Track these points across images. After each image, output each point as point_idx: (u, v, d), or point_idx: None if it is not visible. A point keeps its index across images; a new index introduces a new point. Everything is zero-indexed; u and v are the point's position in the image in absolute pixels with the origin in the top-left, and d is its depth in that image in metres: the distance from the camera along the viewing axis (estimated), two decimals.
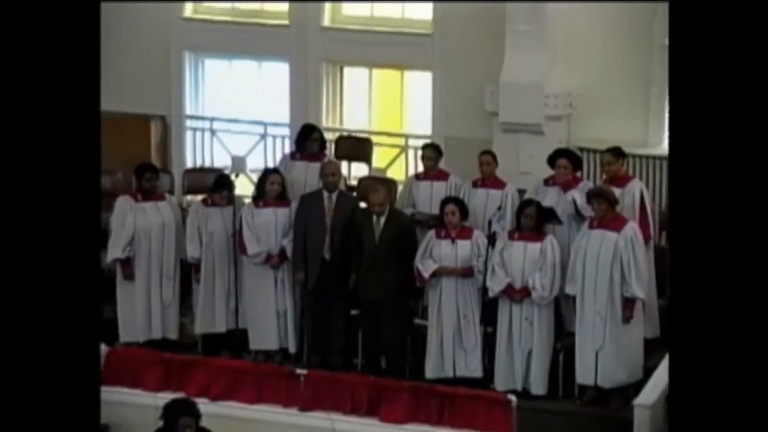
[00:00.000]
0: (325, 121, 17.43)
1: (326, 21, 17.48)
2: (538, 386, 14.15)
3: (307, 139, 15.86)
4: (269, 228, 14.98)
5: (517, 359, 14.16)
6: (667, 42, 15.57)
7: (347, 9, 17.49)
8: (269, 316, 15.05)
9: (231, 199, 15.33)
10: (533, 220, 14.11)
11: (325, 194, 14.87)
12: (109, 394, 13.95)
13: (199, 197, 15.98)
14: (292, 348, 15.03)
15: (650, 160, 15.69)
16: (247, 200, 15.52)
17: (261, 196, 15.07)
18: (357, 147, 17.17)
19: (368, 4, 17.33)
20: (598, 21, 15.90)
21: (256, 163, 17.27)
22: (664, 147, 15.76)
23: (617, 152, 14.77)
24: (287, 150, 16.73)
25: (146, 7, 17.79)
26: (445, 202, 14.42)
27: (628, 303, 13.82)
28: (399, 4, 17.34)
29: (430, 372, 14.33)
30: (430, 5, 16.96)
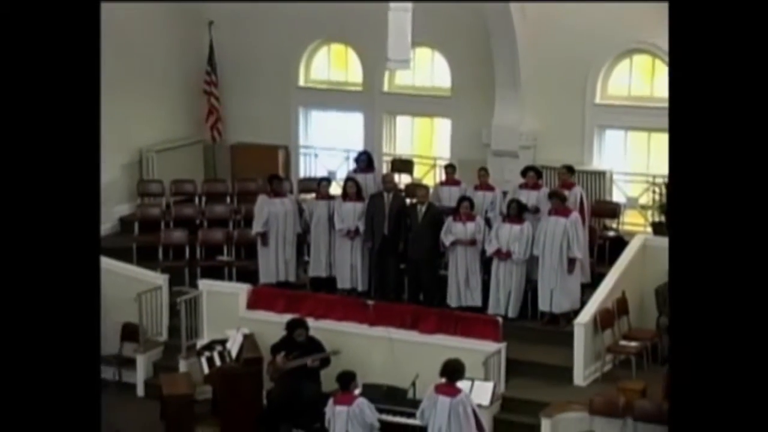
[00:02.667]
0: (385, 149, 17.37)
1: (386, 88, 17.41)
2: (515, 312, 14.14)
3: (359, 161, 15.93)
4: (349, 214, 14.89)
5: (502, 295, 14.14)
6: (595, 100, 15.88)
7: (399, 80, 17.31)
8: (346, 268, 14.99)
9: (330, 195, 15.34)
10: (516, 210, 14.17)
11: (385, 194, 14.85)
12: (253, 314, 14.21)
13: (308, 195, 16.14)
14: (360, 287, 14.91)
15: (585, 174, 15.52)
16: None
17: (346, 194, 15.14)
18: (404, 165, 17.13)
19: (411, 79, 17.15)
20: (551, 87, 15.80)
21: (343, 175, 17.24)
22: (593, 165, 15.82)
23: (570, 168, 14.78)
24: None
25: (274, 81, 17.82)
26: (461, 200, 14.38)
27: (571, 261, 13.82)
28: (429, 79, 17.19)
29: (451, 302, 14.29)
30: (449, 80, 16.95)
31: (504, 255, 14.07)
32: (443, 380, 11.12)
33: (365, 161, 15.90)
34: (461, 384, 11.36)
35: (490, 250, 14.13)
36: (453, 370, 11.05)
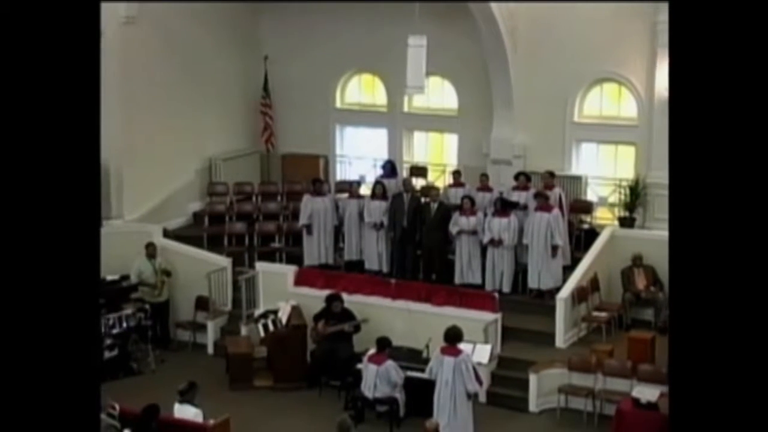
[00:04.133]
0: (405, 158, 17.22)
1: (405, 109, 17.27)
2: (508, 287, 14.07)
3: (384, 168, 15.93)
4: (376, 210, 14.83)
5: (497, 274, 14.07)
6: (573, 119, 15.78)
7: (416, 103, 17.17)
8: (373, 253, 14.91)
9: (360, 194, 15.34)
10: (501, 206, 14.08)
11: (405, 194, 14.79)
12: (300, 290, 14.20)
13: (343, 195, 16.07)
14: (385, 269, 14.82)
15: (565, 178, 15.34)
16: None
17: (374, 194, 15.08)
18: (420, 170, 16.98)
19: (426, 101, 16.98)
20: (537, 108, 15.65)
21: (371, 179, 17.11)
22: (571, 170, 15.62)
23: (551, 173, 14.68)
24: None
25: (316, 103, 17.70)
26: (463, 198, 14.36)
27: (554, 248, 13.77)
28: (440, 102, 17.04)
29: (457, 281, 14.20)
30: (456, 102, 16.86)
31: (497, 243, 13.99)
32: (446, 344, 11.09)
33: (389, 168, 15.86)
34: (464, 346, 11.33)
35: (485, 240, 14.05)
36: (453, 335, 11.03)
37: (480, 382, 11.10)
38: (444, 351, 10.97)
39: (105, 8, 15.85)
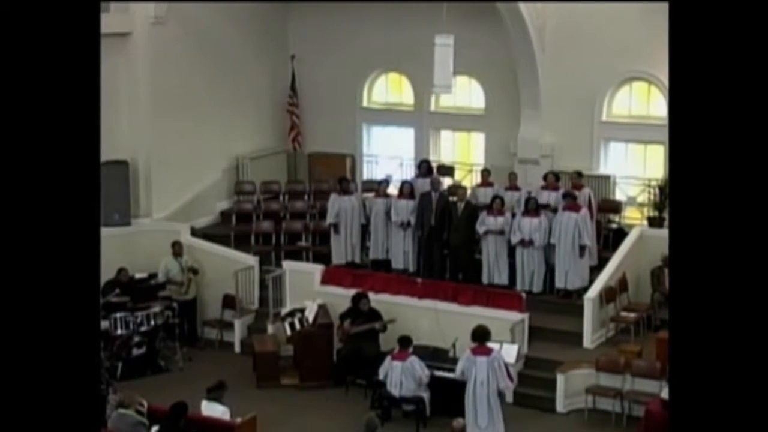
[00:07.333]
0: (432, 157, 17.06)
1: (432, 108, 17.26)
2: (537, 288, 14.03)
3: (420, 167, 15.88)
4: (403, 209, 14.85)
5: (526, 275, 14.04)
6: (601, 118, 15.70)
7: (443, 102, 17.14)
8: (400, 252, 14.93)
9: (387, 193, 15.32)
10: (534, 206, 14.03)
11: (432, 193, 14.76)
12: (327, 289, 14.18)
13: (370, 194, 16.06)
14: (411, 269, 14.81)
15: (593, 177, 15.29)
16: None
17: (401, 193, 15.09)
18: (448, 169, 16.89)
19: (452, 101, 16.94)
20: (565, 108, 15.60)
21: (397, 177, 17.15)
22: (600, 170, 15.55)
23: (579, 173, 14.68)
24: (413, 172, 16.48)
25: (343, 102, 17.74)
26: (494, 198, 14.36)
27: (582, 248, 13.72)
28: (467, 101, 17.01)
29: (484, 280, 14.20)
30: (483, 101, 16.85)
31: (526, 243, 13.95)
32: (475, 344, 11.07)
33: (426, 168, 15.81)
34: (491, 345, 11.30)
35: (515, 240, 14.02)
36: (482, 334, 11.02)
37: (512, 379, 11.07)
38: (475, 351, 10.96)
39: (134, 9, 16.22)
